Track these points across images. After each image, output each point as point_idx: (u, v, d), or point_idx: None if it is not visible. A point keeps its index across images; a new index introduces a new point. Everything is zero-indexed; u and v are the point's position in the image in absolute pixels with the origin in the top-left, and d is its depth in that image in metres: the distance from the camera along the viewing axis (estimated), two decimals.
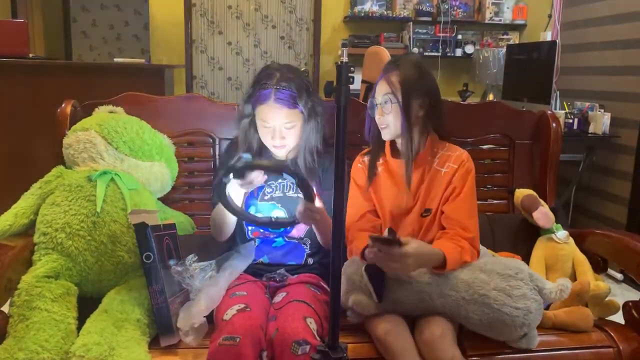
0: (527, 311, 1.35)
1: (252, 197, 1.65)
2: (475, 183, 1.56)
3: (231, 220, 1.61)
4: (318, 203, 1.46)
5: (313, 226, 1.57)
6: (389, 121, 1.52)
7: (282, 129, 1.58)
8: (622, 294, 2.90)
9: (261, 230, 1.64)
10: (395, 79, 1.50)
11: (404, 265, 1.33)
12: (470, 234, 1.46)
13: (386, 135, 1.56)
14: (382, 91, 1.53)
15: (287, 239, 1.65)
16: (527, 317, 1.36)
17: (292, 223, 1.50)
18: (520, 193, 1.85)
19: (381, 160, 1.61)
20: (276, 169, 1.58)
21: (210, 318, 1.42)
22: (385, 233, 1.37)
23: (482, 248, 1.61)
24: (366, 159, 1.63)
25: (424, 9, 4.52)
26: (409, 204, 1.54)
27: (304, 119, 1.61)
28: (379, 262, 1.34)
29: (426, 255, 1.38)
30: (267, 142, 1.62)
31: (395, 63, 1.54)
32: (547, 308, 1.57)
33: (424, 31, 4.55)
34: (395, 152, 1.60)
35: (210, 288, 1.42)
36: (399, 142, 1.57)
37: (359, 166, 1.64)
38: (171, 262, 1.44)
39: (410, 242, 1.33)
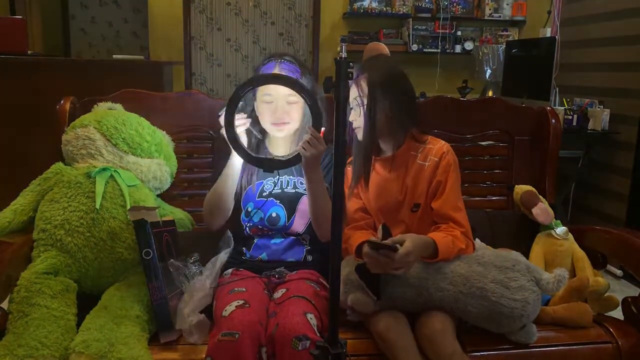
0: (525, 302, 1.36)
1: (250, 193, 1.66)
2: (461, 175, 1.57)
3: (228, 200, 1.59)
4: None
5: (307, 189, 1.54)
6: (360, 123, 1.53)
7: (284, 103, 1.56)
8: (621, 290, 2.91)
9: (259, 227, 1.64)
10: (364, 82, 1.50)
11: (407, 266, 1.35)
12: (462, 228, 1.47)
13: (360, 136, 1.56)
14: (352, 94, 1.53)
15: (285, 236, 1.65)
16: (526, 308, 1.36)
17: (291, 161, 1.47)
18: (520, 189, 1.85)
19: None
20: (291, 82, 1.46)
21: (210, 314, 1.42)
22: (380, 230, 1.37)
23: (480, 242, 1.61)
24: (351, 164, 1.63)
25: (423, 5, 4.52)
26: (397, 200, 1.55)
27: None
28: (380, 270, 1.35)
29: (422, 246, 1.39)
30: (267, 120, 1.59)
31: (364, 66, 1.54)
32: (546, 304, 1.57)
33: (424, 27, 4.54)
34: (377, 151, 1.61)
35: (194, 283, 1.44)
36: (381, 141, 1.58)
37: (348, 167, 1.63)
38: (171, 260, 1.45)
39: (406, 240, 1.34)
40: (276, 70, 1.57)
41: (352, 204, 1.59)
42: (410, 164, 1.55)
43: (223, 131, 1.49)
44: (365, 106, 1.50)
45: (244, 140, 1.54)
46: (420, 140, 1.58)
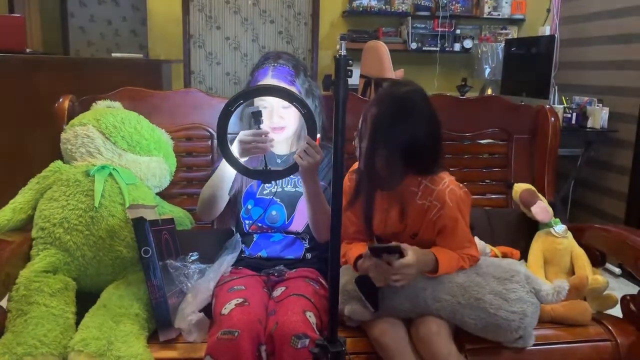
0: (523, 315, 1.34)
1: (251, 191, 1.66)
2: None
3: (223, 192, 1.58)
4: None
5: (304, 195, 1.53)
6: (358, 154, 1.44)
7: (279, 108, 1.57)
8: (620, 288, 2.91)
9: (259, 225, 1.64)
10: (371, 118, 1.35)
11: (405, 277, 1.31)
12: (473, 257, 1.43)
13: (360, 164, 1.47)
14: (359, 123, 1.40)
15: (285, 234, 1.65)
16: (523, 320, 1.34)
17: (288, 171, 1.46)
18: (519, 187, 1.85)
19: None
20: (281, 92, 1.42)
21: (209, 313, 1.42)
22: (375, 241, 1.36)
23: (481, 242, 1.61)
24: (354, 176, 1.52)
25: (422, 4, 4.52)
26: (396, 230, 1.48)
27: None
28: (377, 277, 1.33)
29: (424, 262, 1.36)
30: (266, 125, 1.58)
31: (380, 98, 1.39)
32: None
33: (423, 26, 4.54)
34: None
35: (199, 284, 1.44)
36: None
37: (348, 184, 1.53)
38: (170, 259, 1.45)
39: (409, 251, 1.31)
40: (270, 76, 1.58)
41: (348, 224, 1.51)
42: (410, 201, 1.44)
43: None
44: (364, 148, 1.36)
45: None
46: (422, 179, 1.43)
